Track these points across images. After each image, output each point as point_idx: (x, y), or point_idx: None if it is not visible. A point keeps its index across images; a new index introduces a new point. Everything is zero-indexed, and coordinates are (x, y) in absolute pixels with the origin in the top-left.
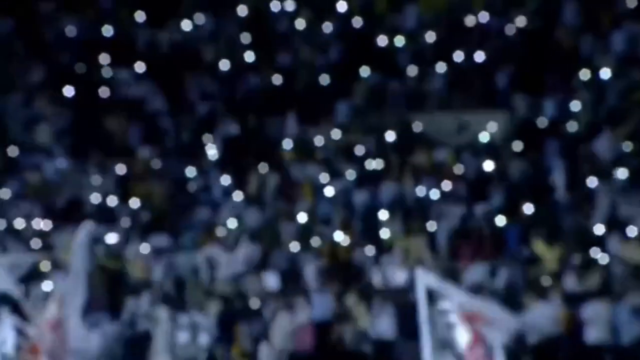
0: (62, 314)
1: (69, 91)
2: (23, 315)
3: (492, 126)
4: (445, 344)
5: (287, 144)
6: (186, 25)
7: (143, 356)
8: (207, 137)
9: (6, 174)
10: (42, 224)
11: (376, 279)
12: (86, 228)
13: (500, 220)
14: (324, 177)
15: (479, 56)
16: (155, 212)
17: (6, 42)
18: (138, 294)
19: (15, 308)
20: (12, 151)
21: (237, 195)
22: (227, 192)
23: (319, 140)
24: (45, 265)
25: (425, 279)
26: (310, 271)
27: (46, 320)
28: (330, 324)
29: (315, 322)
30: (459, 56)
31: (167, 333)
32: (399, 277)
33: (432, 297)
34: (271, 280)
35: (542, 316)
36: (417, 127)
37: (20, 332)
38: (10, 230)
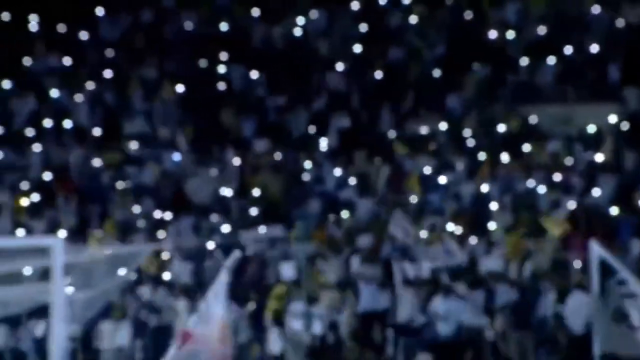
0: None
1: (187, 86)
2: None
3: (603, 118)
4: (618, 315)
5: (398, 136)
6: (300, 20)
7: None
8: (320, 130)
9: (128, 167)
10: (162, 215)
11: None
12: (235, 256)
13: (613, 212)
14: (434, 169)
15: (592, 49)
16: (270, 203)
17: (126, 38)
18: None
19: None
20: (134, 144)
21: (349, 187)
22: (340, 183)
23: (429, 133)
24: (165, 255)
25: (600, 252)
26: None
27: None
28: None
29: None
30: (570, 49)
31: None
32: (492, 264)
33: (606, 270)
34: (287, 270)
35: None
36: (530, 119)
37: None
38: (131, 221)
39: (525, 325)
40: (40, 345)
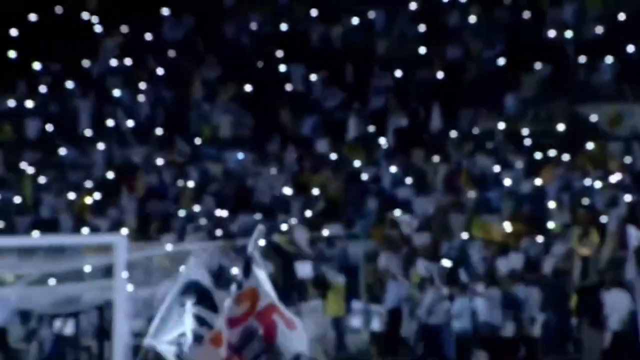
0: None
1: (247, 85)
2: (212, 305)
3: None
4: None
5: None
6: (359, 20)
7: None
8: (379, 129)
9: (189, 165)
10: (222, 213)
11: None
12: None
13: None
14: (493, 168)
15: None
16: (329, 202)
17: (187, 38)
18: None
19: (204, 297)
20: (195, 143)
21: (407, 186)
22: (397, 182)
23: (488, 132)
24: (226, 252)
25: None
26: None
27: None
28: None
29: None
30: (628, 48)
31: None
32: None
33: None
34: (305, 269)
35: None
36: (590, 118)
37: (203, 322)
38: (192, 219)
39: (596, 323)
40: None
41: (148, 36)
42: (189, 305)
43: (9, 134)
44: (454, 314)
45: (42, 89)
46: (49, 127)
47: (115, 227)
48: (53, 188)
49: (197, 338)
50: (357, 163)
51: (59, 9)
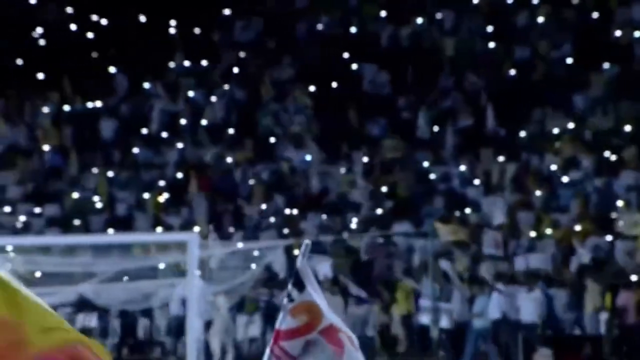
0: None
1: (317, 85)
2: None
3: None
4: None
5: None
6: (427, 20)
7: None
8: (447, 128)
9: (260, 164)
10: (292, 211)
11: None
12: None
13: None
14: (560, 167)
15: None
16: (398, 201)
17: (258, 40)
18: None
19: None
20: (265, 143)
21: (475, 185)
22: (465, 181)
23: (556, 131)
24: (297, 250)
25: None
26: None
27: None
28: None
29: None
30: None
31: (226, 318)
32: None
33: None
34: (325, 268)
35: None
36: None
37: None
38: (262, 216)
39: None
40: None
41: (220, 37)
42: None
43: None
44: (475, 313)
45: (117, 90)
46: (126, 128)
47: (187, 225)
48: (127, 187)
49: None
50: (425, 162)
51: (135, 13)
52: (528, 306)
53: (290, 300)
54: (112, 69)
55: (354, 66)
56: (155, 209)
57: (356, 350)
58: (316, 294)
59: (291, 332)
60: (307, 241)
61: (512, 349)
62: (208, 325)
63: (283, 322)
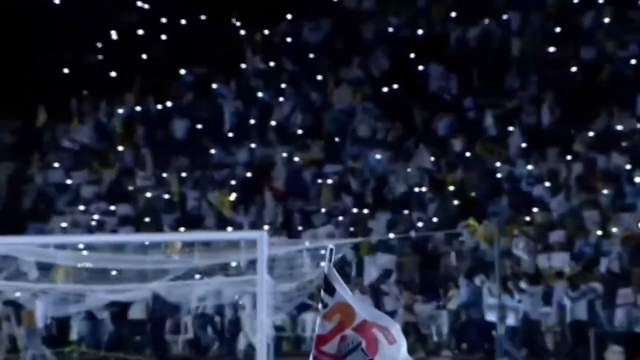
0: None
1: (385, 85)
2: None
3: None
4: None
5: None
6: (495, 21)
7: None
8: (513, 128)
9: (328, 164)
10: (360, 211)
11: None
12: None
13: None
14: (627, 166)
15: None
16: (464, 199)
17: (326, 41)
18: None
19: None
20: (333, 143)
21: (541, 184)
22: (531, 180)
23: (622, 130)
24: (365, 249)
25: None
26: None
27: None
28: None
29: None
30: None
31: (251, 317)
32: None
33: None
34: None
35: None
36: None
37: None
38: (332, 215)
39: None
40: None
41: (289, 39)
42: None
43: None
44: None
45: (189, 91)
46: (197, 128)
47: (256, 223)
48: (198, 186)
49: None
50: (491, 161)
51: (205, 15)
52: (596, 304)
53: (324, 306)
54: (183, 71)
55: (421, 67)
56: (225, 207)
57: (392, 345)
58: (346, 294)
59: (329, 335)
60: (330, 246)
61: (583, 347)
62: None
63: (320, 327)
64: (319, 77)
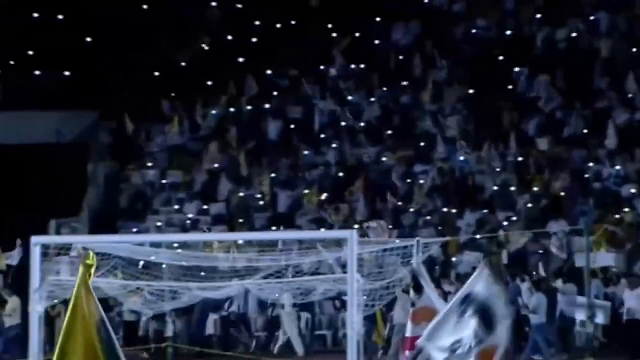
0: None
1: (473, 86)
2: (489, 321)
3: None
4: None
5: None
6: (582, 22)
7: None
8: (601, 128)
9: (417, 164)
10: (449, 210)
11: None
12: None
13: None
14: None
15: None
16: (552, 199)
17: (415, 42)
18: None
19: (483, 311)
20: (423, 143)
21: (630, 183)
22: (620, 180)
23: None
24: (453, 247)
25: None
26: None
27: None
28: None
29: None
30: None
31: (291, 314)
32: None
33: None
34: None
35: None
36: None
37: (476, 336)
38: (421, 214)
39: None
40: None
41: (378, 41)
42: (468, 315)
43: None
44: (531, 309)
45: (281, 92)
46: (288, 129)
47: (347, 222)
48: (289, 186)
49: (468, 350)
50: (579, 161)
51: (296, 17)
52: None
53: (412, 305)
54: (271, 72)
55: (509, 67)
56: (316, 206)
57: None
58: (432, 294)
59: (413, 340)
60: (418, 238)
61: None
62: None
63: (408, 329)
64: (408, 78)
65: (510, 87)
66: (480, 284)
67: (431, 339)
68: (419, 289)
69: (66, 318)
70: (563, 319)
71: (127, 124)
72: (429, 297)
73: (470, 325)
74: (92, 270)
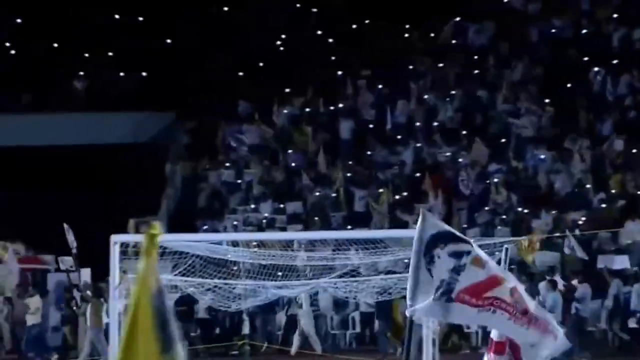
0: None
1: (548, 86)
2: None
3: None
4: None
5: None
6: None
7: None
8: None
9: (492, 163)
10: (524, 209)
11: None
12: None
13: None
14: None
15: None
16: (628, 199)
17: (490, 43)
18: None
19: (450, 238)
20: (498, 142)
21: None
22: None
23: None
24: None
25: None
26: None
27: None
28: None
29: None
30: None
31: (310, 313)
32: None
33: None
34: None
35: None
36: None
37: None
38: (496, 213)
39: None
40: None
41: (454, 41)
42: (438, 253)
43: (308, 137)
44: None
45: (356, 92)
46: (363, 128)
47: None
48: (365, 185)
49: (449, 284)
50: None
51: (371, 18)
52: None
53: None
54: (346, 72)
55: (585, 68)
56: (391, 206)
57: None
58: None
59: (499, 344)
60: (506, 246)
61: None
62: None
63: (494, 332)
64: (484, 78)
65: (585, 87)
66: (431, 226)
67: (415, 299)
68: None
69: (133, 293)
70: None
71: (205, 125)
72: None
73: (444, 263)
74: (157, 240)
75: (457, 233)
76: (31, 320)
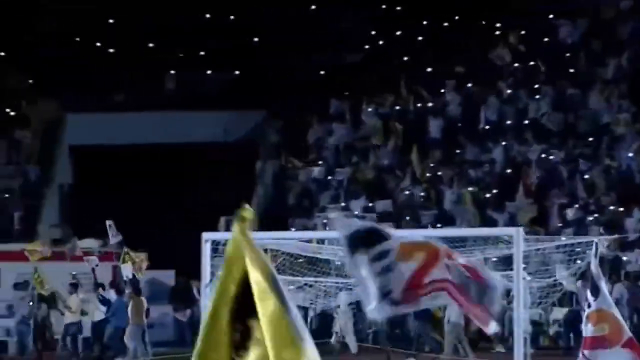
0: None
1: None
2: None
3: None
4: None
5: None
6: None
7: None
8: None
9: (584, 161)
10: (617, 208)
11: None
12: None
13: None
14: None
15: None
16: None
17: (582, 41)
18: None
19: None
20: (589, 140)
21: None
22: None
23: None
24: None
25: None
26: None
27: None
28: None
29: None
30: None
31: (347, 312)
32: None
33: None
34: None
35: None
36: None
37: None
38: (588, 211)
39: None
40: None
41: (546, 38)
42: (361, 259)
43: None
44: None
45: (447, 91)
46: (453, 127)
47: (511, 220)
48: (455, 183)
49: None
50: None
51: (458, 14)
52: None
53: (588, 306)
54: (436, 69)
55: None
56: (481, 204)
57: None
58: (609, 297)
59: (592, 341)
60: (595, 240)
61: None
62: None
63: (585, 328)
64: (575, 76)
65: None
66: (346, 228)
67: (369, 302)
68: (595, 291)
69: (220, 278)
70: None
71: (295, 123)
72: (604, 299)
73: (368, 268)
74: (248, 223)
75: (373, 228)
76: (69, 318)
